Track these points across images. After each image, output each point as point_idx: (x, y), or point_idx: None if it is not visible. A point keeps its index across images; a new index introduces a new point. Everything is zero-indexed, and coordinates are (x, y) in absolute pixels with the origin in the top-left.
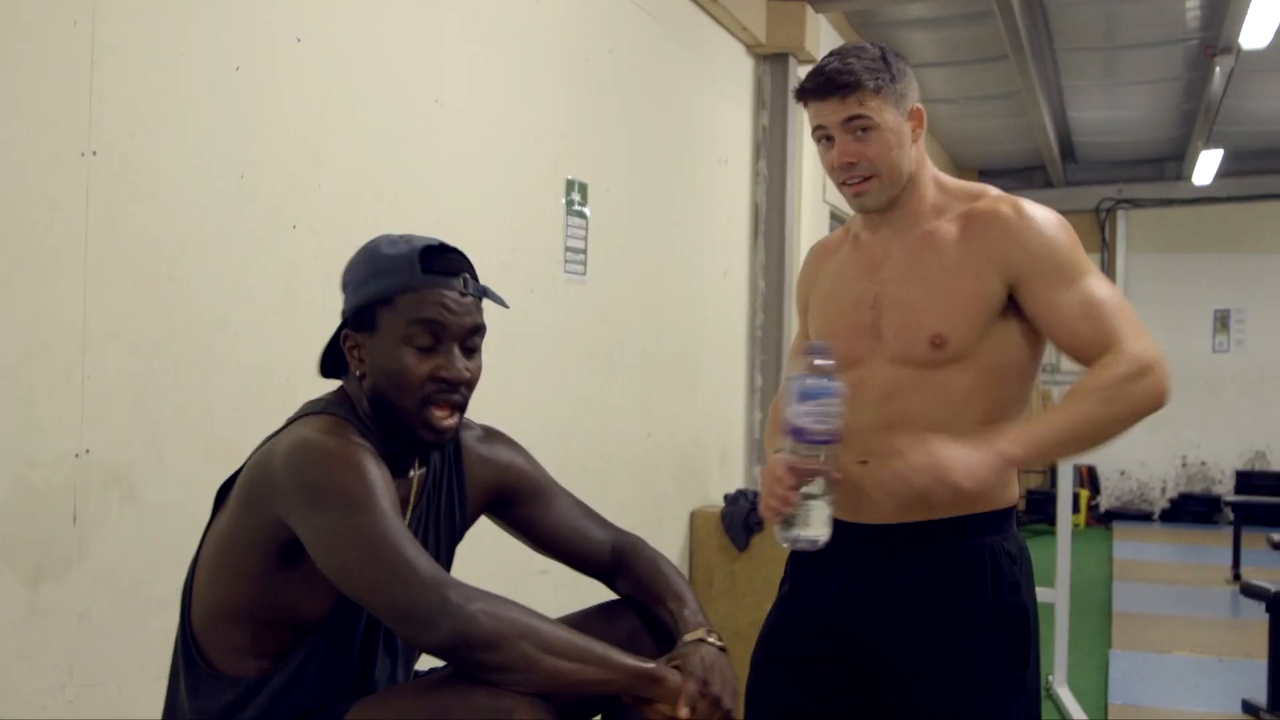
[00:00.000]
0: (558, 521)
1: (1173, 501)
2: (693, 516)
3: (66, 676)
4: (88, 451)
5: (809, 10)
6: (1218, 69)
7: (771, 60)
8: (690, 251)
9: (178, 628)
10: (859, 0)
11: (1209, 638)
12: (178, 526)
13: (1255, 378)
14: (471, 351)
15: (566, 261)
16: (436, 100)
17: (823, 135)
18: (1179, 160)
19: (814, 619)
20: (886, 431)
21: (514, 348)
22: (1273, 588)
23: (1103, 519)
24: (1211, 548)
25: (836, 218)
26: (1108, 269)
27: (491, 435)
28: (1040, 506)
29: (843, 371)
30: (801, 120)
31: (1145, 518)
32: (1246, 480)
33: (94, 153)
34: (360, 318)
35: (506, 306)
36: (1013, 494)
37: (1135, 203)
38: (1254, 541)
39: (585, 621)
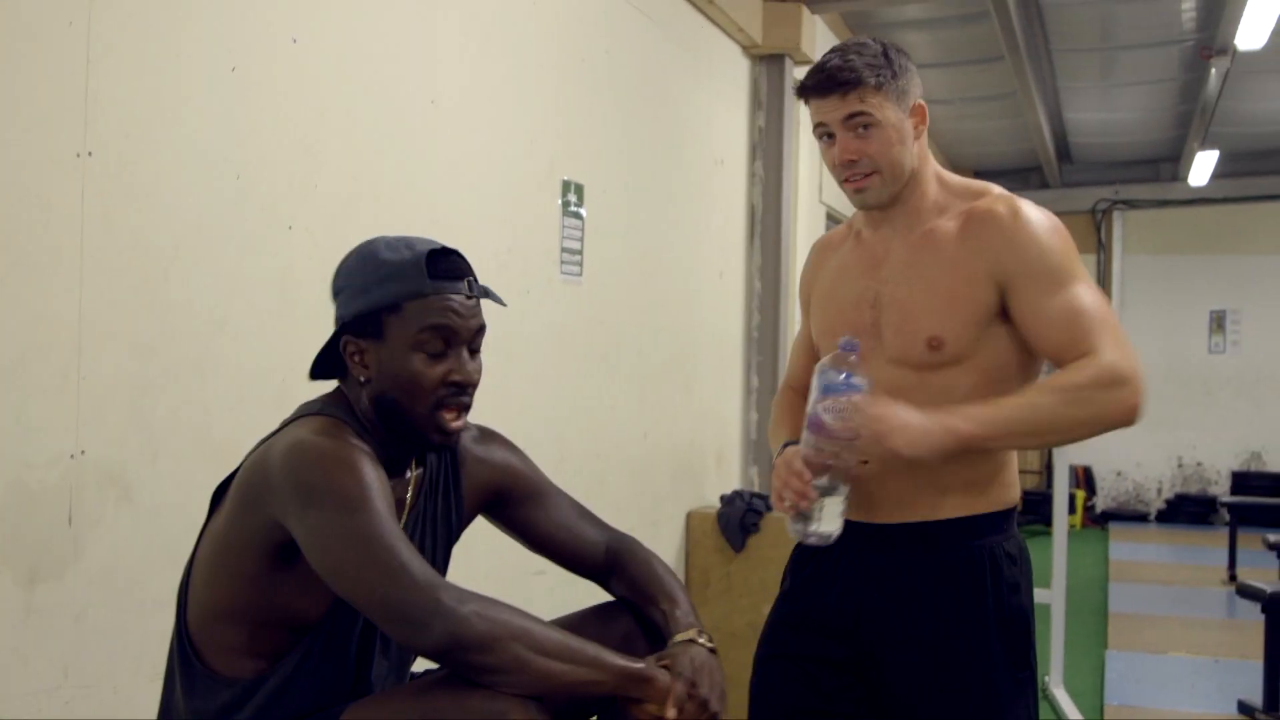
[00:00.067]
0: (553, 522)
1: (1169, 502)
2: (689, 517)
3: (62, 677)
4: (83, 452)
5: (805, 11)
6: (1213, 70)
7: (768, 61)
8: (686, 252)
9: (173, 628)
10: (855, 1)
11: (1205, 638)
12: (173, 527)
13: (1251, 379)
14: (475, 352)
15: (563, 262)
16: (433, 101)
17: (824, 132)
18: (1175, 161)
19: (815, 617)
20: None
21: (510, 349)
22: (1269, 588)
23: (1099, 520)
24: (1207, 548)
25: (833, 218)
26: (1104, 270)
27: (488, 436)
28: (1036, 507)
29: None
30: (798, 121)
31: (1141, 518)
32: (1242, 481)
33: (89, 153)
34: (364, 324)
35: (504, 305)
36: (1014, 495)
37: (1131, 204)
38: (1250, 542)
39: (581, 623)
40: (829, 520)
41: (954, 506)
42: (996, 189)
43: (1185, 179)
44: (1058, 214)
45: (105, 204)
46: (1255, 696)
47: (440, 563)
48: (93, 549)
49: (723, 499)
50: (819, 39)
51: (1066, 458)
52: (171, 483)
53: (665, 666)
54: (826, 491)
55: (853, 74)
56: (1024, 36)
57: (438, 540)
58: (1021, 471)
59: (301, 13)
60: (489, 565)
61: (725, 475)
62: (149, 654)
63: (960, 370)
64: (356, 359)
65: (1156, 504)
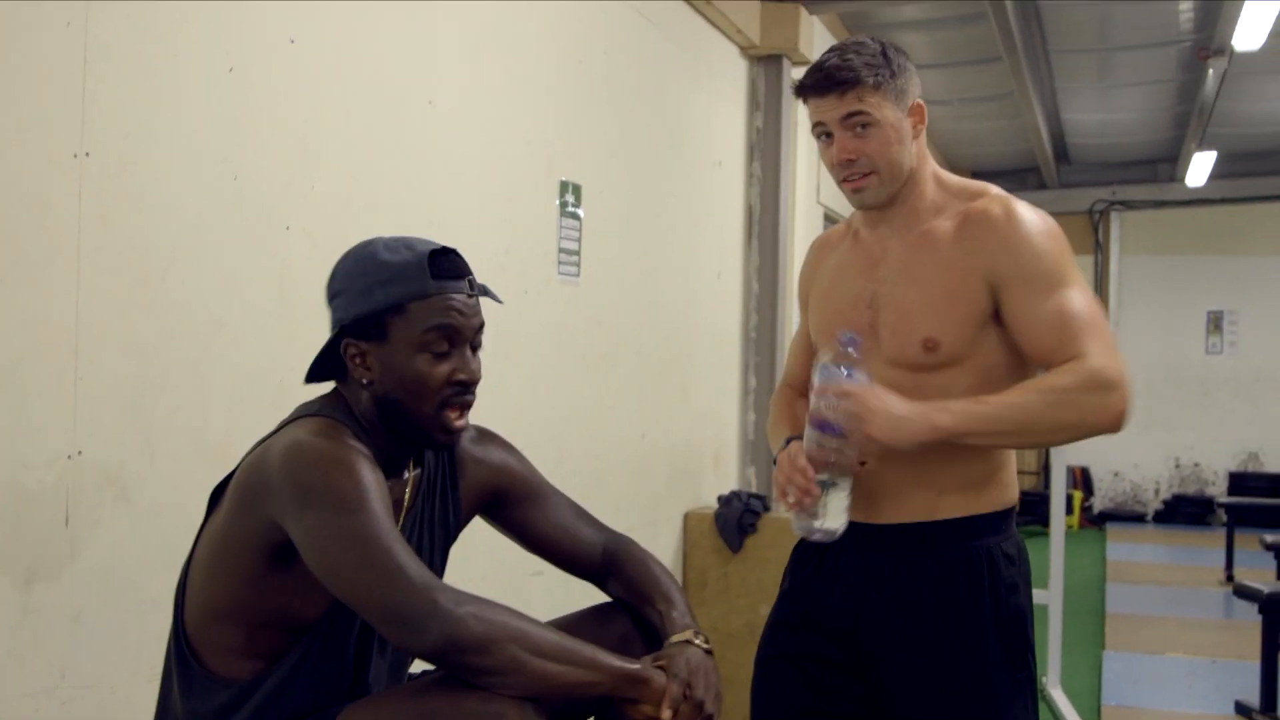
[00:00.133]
0: (550, 523)
1: (1166, 503)
2: (686, 518)
3: (59, 678)
4: (80, 453)
5: (803, 12)
6: (1211, 71)
7: (766, 62)
8: (684, 253)
9: (171, 629)
10: (853, 2)
11: (1202, 639)
12: (171, 528)
13: (1248, 379)
14: (476, 350)
15: (560, 263)
16: (430, 102)
17: (822, 131)
18: (1172, 162)
19: (815, 618)
20: None
21: (508, 349)
22: (1266, 589)
23: (1096, 520)
24: (1204, 549)
25: (830, 219)
26: (1101, 271)
27: (485, 436)
28: (1034, 508)
29: None
30: (796, 122)
31: (1138, 519)
32: (1239, 482)
33: (87, 154)
34: (366, 326)
35: (501, 302)
36: (1012, 495)
37: (1129, 204)
38: (1247, 543)
39: (579, 624)
40: (833, 516)
41: (952, 507)
42: (994, 189)
43: (1183, 180)
44: (1055, 215)
45: (103, 205)
46: (1252, 697)
47: (438, 564)
48: (90, 549)
49: (720, 499)
50: (817, 40)
51: (1064, 458)
52: (169, 483)
53: (661, 667)
54: (829, 487)
55: (851, 73)
56: (1021, 37)
57: (435, 541)
58: (1019, 472)
59: (299, 13)
60: (486, 566)
61: (723, 476)
62: (146, 654)
63: (957, 371)
64: (358, 361)
65: (1154, 505)
